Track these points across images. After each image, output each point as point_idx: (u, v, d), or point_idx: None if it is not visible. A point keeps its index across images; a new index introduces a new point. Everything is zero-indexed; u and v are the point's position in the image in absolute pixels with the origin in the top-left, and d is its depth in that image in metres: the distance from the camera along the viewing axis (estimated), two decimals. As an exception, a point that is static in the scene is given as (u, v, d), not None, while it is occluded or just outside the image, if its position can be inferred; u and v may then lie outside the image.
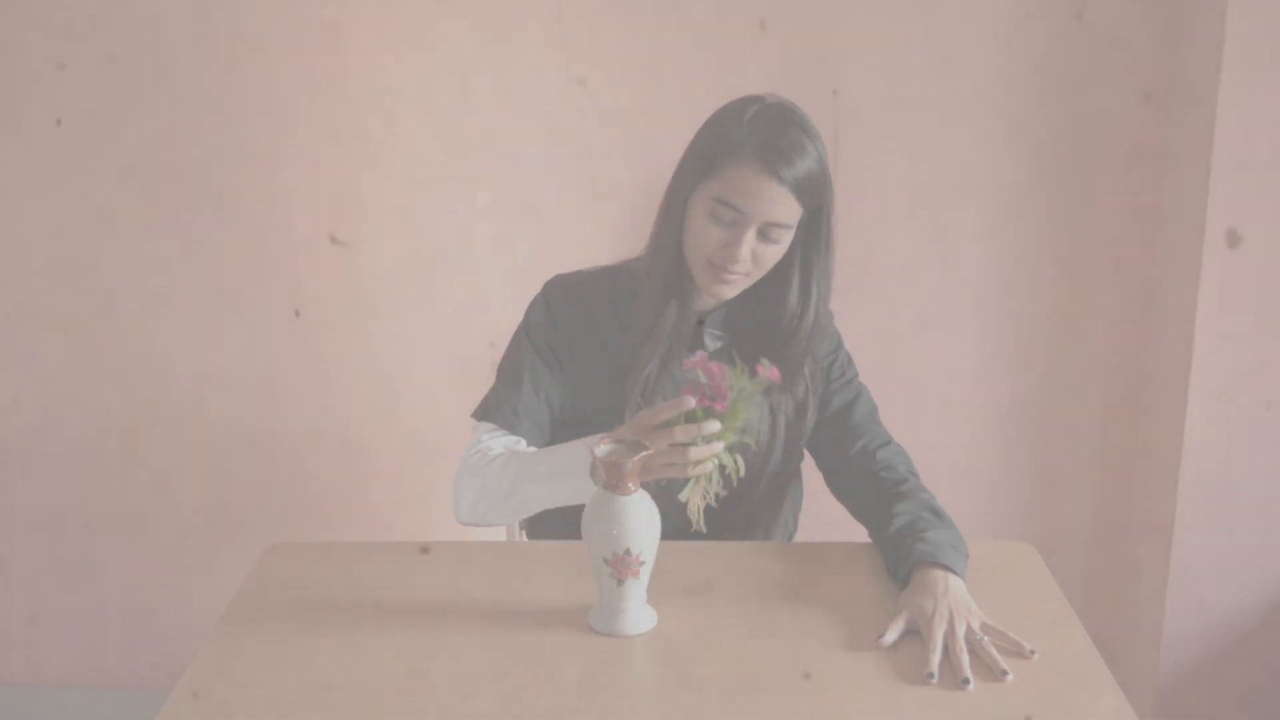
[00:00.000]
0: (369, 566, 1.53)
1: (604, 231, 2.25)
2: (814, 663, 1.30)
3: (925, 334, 2.31)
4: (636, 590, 1.34)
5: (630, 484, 1.32)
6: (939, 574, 1.38)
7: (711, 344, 1.60)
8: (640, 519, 1.32)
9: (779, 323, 1.58)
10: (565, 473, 1.45)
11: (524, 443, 1.58)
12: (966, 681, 1.25)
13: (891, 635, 1.32)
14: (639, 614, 1.36)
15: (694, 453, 1.32)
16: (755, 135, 1.46)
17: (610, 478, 1.32)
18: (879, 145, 2.21)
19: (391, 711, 1.23)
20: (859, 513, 1.60)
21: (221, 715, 1.23)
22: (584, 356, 1.61)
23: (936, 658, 1.28)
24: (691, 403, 1.30)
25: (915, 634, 1.34)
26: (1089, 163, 2.22)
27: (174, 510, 2.43)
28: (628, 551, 1.31)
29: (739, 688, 1.26)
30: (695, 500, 1.37)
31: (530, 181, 2.26)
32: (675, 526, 1.53)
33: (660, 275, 1.55)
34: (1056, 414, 2.34)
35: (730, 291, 1.53)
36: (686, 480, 1.37)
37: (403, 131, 2.25)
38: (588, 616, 1.37)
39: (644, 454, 1.31)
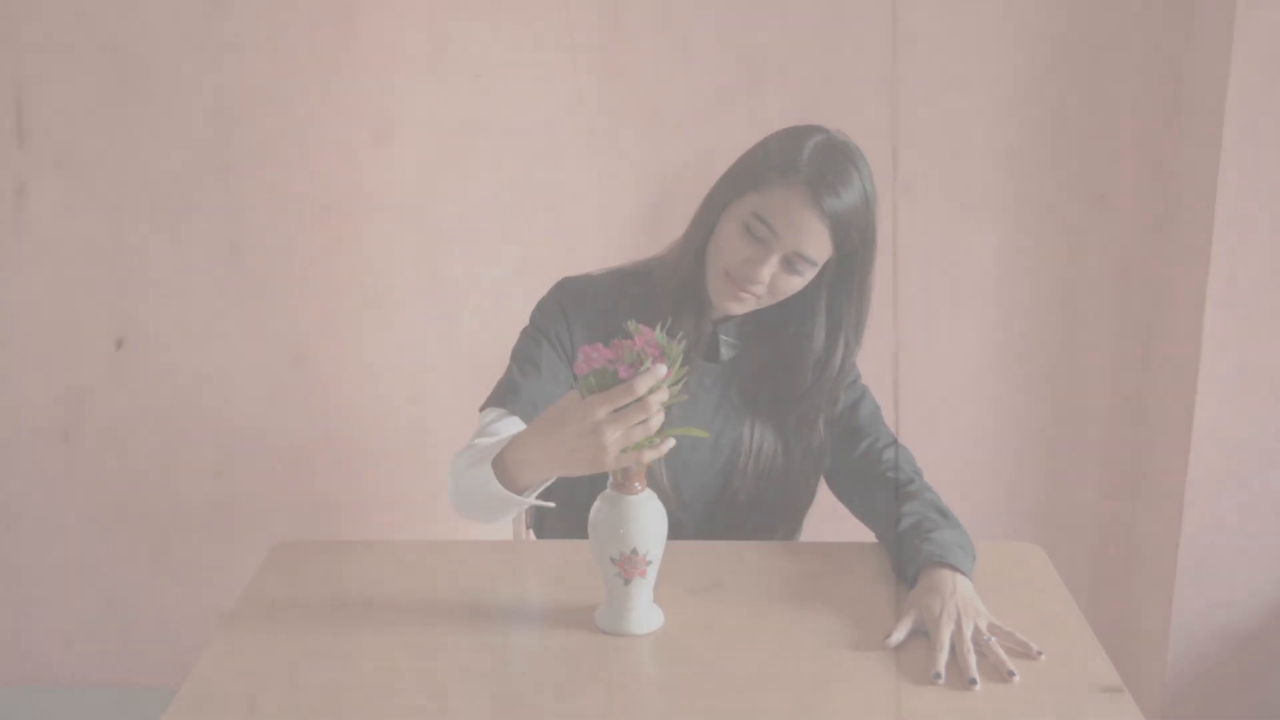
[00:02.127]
0: (375, 565, 1.53)
1: (612, 233, 2.25)
2: (821, 662, 1.30)
3: (930, 335, 2.31)
4: (643, 590, 1.34)
5: (637, 484, 1.32)
6: (946, 574, 1.37)
7: (727, 352, 1.60)
8: (647, 518, 1.32)
9: (801, 366, 1.57)
10: (483, 458, 1.34)
11: None
12: (974, 682, 1.24)
13: (899, 635, 1.32)
14: (646, 613, 1.35)
15: (654, 420, 1.23)
16: (811, 163, 1.44)
17: (617, 478, 1.32)
18: (883, 145, 2.21)
19: (398, 710, 1.23)
20: (863, 513, 1.60)
21: (227, 714, 1.23)
22: None
23: (944, 658, 1.27)
24: (662, 371, 1.21)
25: (922, 634, 1.34)
26: (1096, 160, 2.21)
27: (179, 509, 2.44)
28: (634, 551, 1.31)
29: (745, 687, 1.26)
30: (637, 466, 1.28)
31: (539, 182, 2.26)
32: (682, 526, 1.53)
33: (681, 278, 1.54)
34: (1063, 414, 2.34)
35: (740, 308, 1.51)
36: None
37: (412, 131, 2.25)
38: (594, 616, 1.37)
39: (651, 454, 1.30)
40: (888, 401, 1.69)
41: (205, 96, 2.23)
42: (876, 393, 1.69)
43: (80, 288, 2.33)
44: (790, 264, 1.47)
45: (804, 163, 1.44)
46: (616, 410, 1.21)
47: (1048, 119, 2.20)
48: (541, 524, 1.76)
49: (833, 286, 1.54)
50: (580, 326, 1.59)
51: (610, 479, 1.32)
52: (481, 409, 1.53)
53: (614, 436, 1.22)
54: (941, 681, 1.25)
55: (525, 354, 1.57)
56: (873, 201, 1.49)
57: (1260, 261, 2.06)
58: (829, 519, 1.69)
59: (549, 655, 1.31)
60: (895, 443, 1.63)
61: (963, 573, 1.38)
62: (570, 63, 2.20)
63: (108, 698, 2.52)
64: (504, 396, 1.51)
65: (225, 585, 2.23)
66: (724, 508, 1.63)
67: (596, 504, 1.33)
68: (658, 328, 1.28)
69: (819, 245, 1.46)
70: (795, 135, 1.49)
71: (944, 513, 1.49)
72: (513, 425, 1.48)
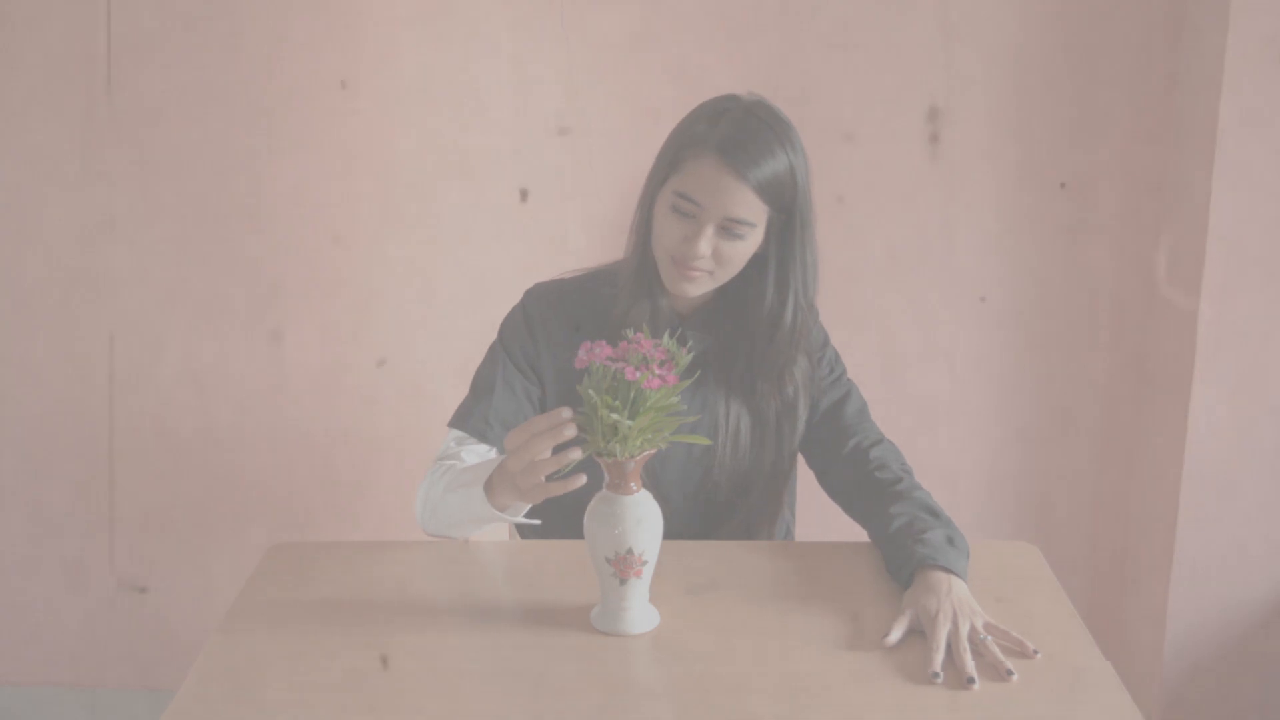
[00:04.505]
0: (372, 566, 1.53)
1: (606, 234, 2.25)
2: (817, 662, 1.30)
3: (926, 333, 2.31)
4: (639, 590, 1.34)
5: (633, 484, 1.32)
6: (941, 576, 1.37)
7: (696, 345, 1.59)
8: (643, 518, 1.32)
9: (758, 324, 1.57)
10: (472, 483, 1.41)
11: (495, 452, 1.57)
12: (971, 681, 1.24)
13: (895, 635, 1.32)
14: (641, 613, 1.35)
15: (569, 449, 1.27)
16: (721, 131, 1.46)
17: (613, 478, 1.32)
18: (882, 143, 2.21)
19: (395, 710, 1.23)
20: (854, 512, 1.59)
21: (225, 715, 1.23)
22: (564, 363, 1.60)
23: (940, 657, 1.27)
24: (568, 412, 1.26)
25: (920, 634, 1.34)
26: (1092, 160, 2.22)
27: (178, 509, 2.43)
28: (630, 551, 1.31)
29: (742, 687, 1.26)
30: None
31: (534, 184, 2.26)
32: (677, 526, 1.53)
33: (632, 274, 1.56)
34: (1059, 413, 2.34)
35: (694, 289, 1.52)
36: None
37: (408, 133, 2.25)
38: (590, 616, 1.37)
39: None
40: (885, 401, 1.69)
41: (208, 98, 2.23)
42: (872, 391, 1.69)
43: (77, 284, 2.33)
44: (727, 230, 1.48)
45: (712, 132, 1.46)
46: (530, 441, 1.27)
47: (1043, 118, 2.20)
48: (525, 527, 1.77)
49: (777, 246, 1.54)
50: (548, 333, 1.62)
51: (606, 479, 1.33)
52: (449, 424, 1.61)
53: (517, 463, 1.28)
54: (939, 681, 1.25)
55: (483, 373, 1.63)
56: (794, 155, 1.49)
57: (1255, 262, 2.06)
58: (827, 518, 1.69)
59: (545, 655, 1.31)
60: (882, 440, 1.62)
61: (957, 574, 1.38)
62: (562, 58, 2.20)
63: (107, 698, 2.52)
64: (462, 418, 1.59)
65: (223, 586, 2.24)
66: (705, 495, 1.63)
67: (592, 504, 1.34)
68: (665, 335, 1.29)
69: (747, 206, 1.47)
70: (704, 108, 1.51)
71: (934, 511, 1.49)
72: (481, 451, 1.56)
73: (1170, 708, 2.24)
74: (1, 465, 2.43)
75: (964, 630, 1.30)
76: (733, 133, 1.46)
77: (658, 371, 1.25)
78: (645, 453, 1.30)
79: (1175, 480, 2.16)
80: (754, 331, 1.58)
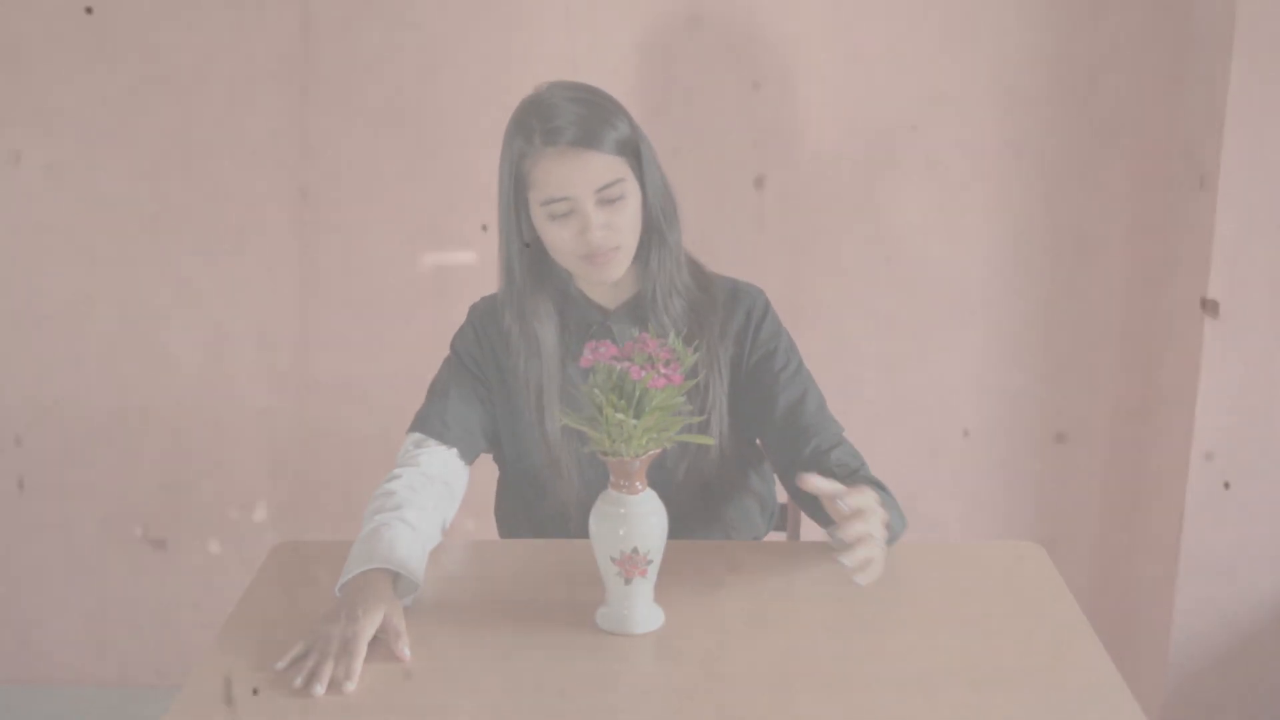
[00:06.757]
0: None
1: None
2: (821, 662, 1.30)
3: (931, 331, 2.30)
4: (644, 589, 1.34)
5: (638, 483, 1.32)
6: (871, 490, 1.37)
7: (623, 335, 1.59)
8: (648, 518, 1.32)
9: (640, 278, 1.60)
10: (359, 547, 1.43)
11: (455, 453, 1.59)
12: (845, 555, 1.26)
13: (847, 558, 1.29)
14: (646, 613, 1.35)
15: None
16: (538, 126, 1.49)
17: (617, 477, 1.32)
18: (887, 148, 2.22)
19: (398, 711, 1.23)
20: (816, 516, 1.56)
21: (228, 714, 1.23)
22: (510, 373, 1.63)
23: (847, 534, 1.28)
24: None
25: (924, 639, 1.33)
26: (1097, 162, 2.21)
27: (179, 509, 2.43)
28: (635, 550, 1.31)
29: (747, 687, 1.26)
30: None
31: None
32: (682, 525, 1.53)
33: (527, 297, 1.58)
34: (1064, 413, 2.34)
35: (616, 270, 1.54)
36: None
37: (408, 135, 2.25)
38: (595, 616, 1.37)
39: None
40: (888, 403, 1.68)
41: (213, 99, 2.24)
42: (876, 394, 1.68)
43: (89, 276, 2.33)
44: (606, 200, 1.50)
45: (532, 134, 1.49)
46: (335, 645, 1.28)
47: (1048, 122, 2.20)
48: (505, 525, 1.77)
49: (642, 192, 1.56)
50: (492, 344, 1.65)
51: (610, 478, 1.33)
52: (408, 430, 1.63)
53: (320, 661, 1.27)
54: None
55: (439, 381, 1.67)
56: (609, 101, 1.52)
57: (1260, 263, 2.06)
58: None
59: (550, 655, 1.31)
60: (841, 442, 1.59)
61: (886, 501, 1.39)
62: (563, 68, 2.20)
63: (108, 698, 2.52)
64: (421, 421, 1.62)
65: (226, 585, 2.23)
66: (661, 484, 1.62)
67: (597, 504, 1.34)
68: (671, 335, 1.29)
69: (605, 167, 1.49)
70: (510, 126, 1.54)
71: (882, 486, 1.49)
72: (441, 452, 1.58)
73: (1175, 708, 2.24)
74: (3, 463, 2.43)
75: (872, 525, 1.30)
76: (547, 120, 1.49)
77: (663, 371, 1.26)
78: (650, 452, 1.30)
79: (1181, 481, 2.16)
80: (642, 285, 1.60)
